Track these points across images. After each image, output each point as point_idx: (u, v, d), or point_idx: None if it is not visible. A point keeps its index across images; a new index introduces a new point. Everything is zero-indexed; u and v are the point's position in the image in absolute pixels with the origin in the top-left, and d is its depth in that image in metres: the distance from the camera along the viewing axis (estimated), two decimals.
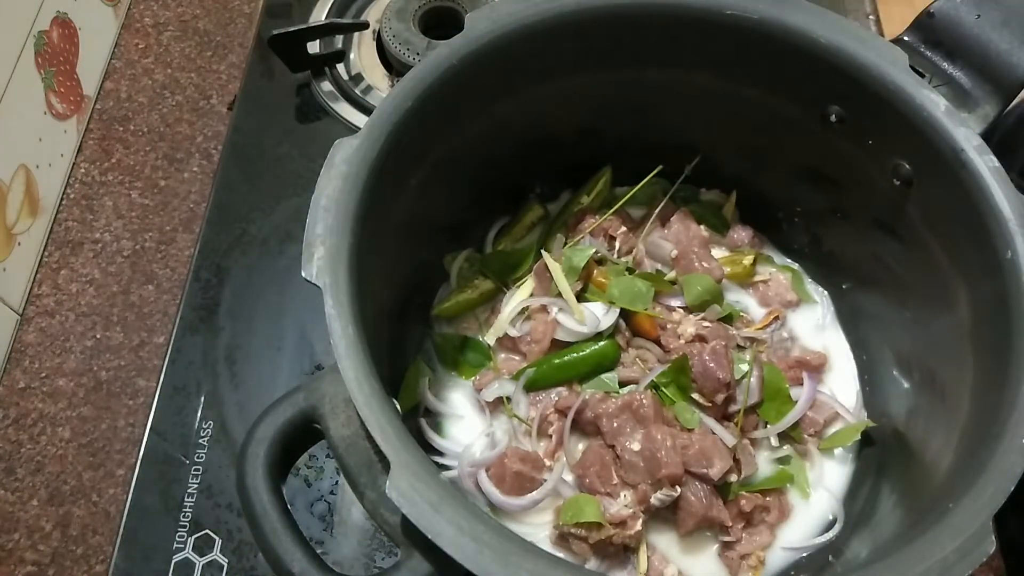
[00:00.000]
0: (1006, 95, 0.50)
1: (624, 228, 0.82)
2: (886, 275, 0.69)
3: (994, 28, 0.51)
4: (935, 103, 0.49)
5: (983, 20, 0.51)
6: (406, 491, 0.36)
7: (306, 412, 0.36)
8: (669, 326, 0.76)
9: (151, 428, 0.65)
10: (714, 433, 0.69)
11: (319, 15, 0.85)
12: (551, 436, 0.71)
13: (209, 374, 0.67)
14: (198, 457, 0.61)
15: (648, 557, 0.67)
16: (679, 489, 0.67)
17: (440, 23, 0.93)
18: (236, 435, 0.65)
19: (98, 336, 0.91)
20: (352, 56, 0.82)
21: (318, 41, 0.82)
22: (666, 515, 0.69)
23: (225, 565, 0.56)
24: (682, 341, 0.74)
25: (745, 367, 0.72)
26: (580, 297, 0.76)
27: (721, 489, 0.69)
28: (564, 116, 0.74)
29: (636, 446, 0.67)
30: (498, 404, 0.73)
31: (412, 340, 0.74)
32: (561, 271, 0.74)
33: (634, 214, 0.85)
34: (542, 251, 0.78)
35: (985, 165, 0.48)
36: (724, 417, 0.72)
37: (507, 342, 0.76)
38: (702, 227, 0.83)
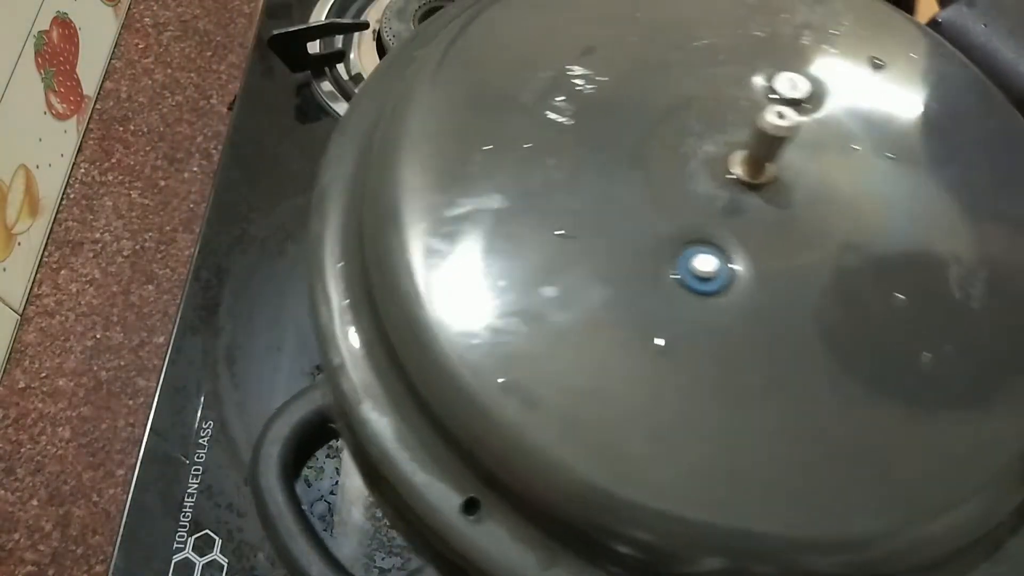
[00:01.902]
0: (1014, 104, 0.50)
1: None
2: None
3: (1001, 37, 0.51)
4: None
5: (990, 29, 0.51)
6: None
7: (321, 411, 0.35)
8: None
9: (151, 428, 0.65)
10: None
11: (319, 15, 0.85)
12: None
13: (209, 374, 0.67)
14: (198, 457, 0.61)
15: None
16: None
17: None
18: (236, 435, 0.64)
19: (98, 336, 0.92)
20: (352, 56, 0.82)
21: (318, 41, 0.82)
22: None
23: (225, 565, 0.56)
24: None
25: None
26: None
27: None
28: None
29: None
30: None
31: None
32: None
33: None
34: None
35: None
36: None
37: None
38: None
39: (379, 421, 0.29)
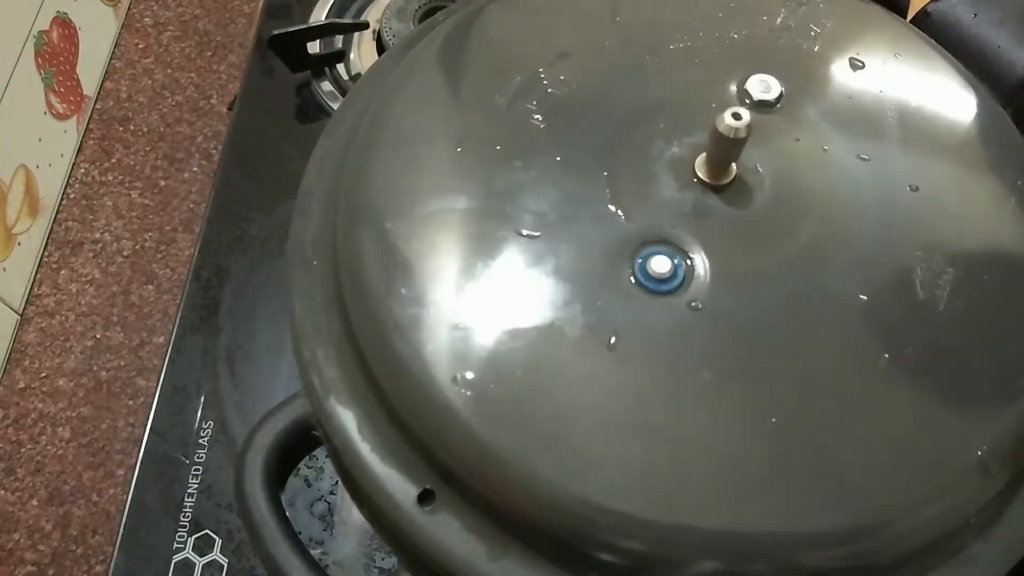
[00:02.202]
0: (1005, 94, 0.50)
1: None
2: None
3: (991, 27, 0.51)
4: None
5: (980, 19, 0.51)
6: None
7: (304, 420, 0.35)
8: None
9: (151, 428, 0.65)
10: None
11: (319, 15, 0.85)
12: None
13: (209, 374, 0.67)
14: (198, 457, 0.61)
15: None
16: None
17: None
18: (236, 435, 0.64)
19: (98, 336, 0.92)
20: (352, 56, 0.82)
21: (318, 41, 0.82)
22: None
23: (225, 565, 0.56)
24: None
25: None
26: None
27: None
28: None
29: None
30: None
31: None
32: None
33: None
34: None
35: None
36: None
37: None
38: None
39: (344, 414, 0.30)
